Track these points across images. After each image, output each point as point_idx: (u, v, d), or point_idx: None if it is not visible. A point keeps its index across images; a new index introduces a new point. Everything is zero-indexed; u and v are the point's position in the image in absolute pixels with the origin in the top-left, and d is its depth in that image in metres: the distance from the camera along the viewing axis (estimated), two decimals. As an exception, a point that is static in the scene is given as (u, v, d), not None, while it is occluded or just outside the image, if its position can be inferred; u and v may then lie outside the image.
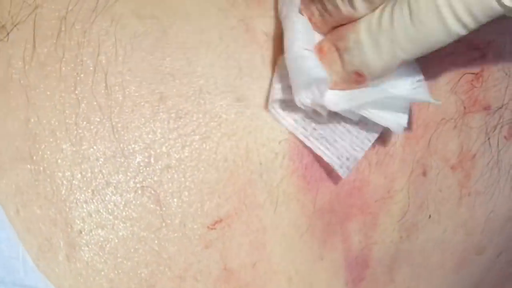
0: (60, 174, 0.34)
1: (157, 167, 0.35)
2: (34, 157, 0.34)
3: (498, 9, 0.32)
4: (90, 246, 0.34)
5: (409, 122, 0.40)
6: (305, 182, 0.38)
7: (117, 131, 0.35)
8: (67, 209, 0.34)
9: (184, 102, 0.36)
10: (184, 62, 0.36)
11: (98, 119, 0.35)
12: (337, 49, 0.36)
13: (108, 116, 0.35)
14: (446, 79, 0.41)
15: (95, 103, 0.35)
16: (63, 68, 0.35)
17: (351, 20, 0.35)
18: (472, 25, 0.33)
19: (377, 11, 0.34)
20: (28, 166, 0.34)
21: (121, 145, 0.35)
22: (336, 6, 0.35)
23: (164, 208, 0.35)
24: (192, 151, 0.36)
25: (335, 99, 0.36)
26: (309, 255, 0.39)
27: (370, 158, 0.39)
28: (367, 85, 0.36)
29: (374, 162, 0.40)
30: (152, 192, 0.35)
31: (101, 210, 0.35)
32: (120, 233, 0.35)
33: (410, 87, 0.37)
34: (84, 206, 0.34)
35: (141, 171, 0.35)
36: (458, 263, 0.45)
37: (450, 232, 0.43)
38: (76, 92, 0.35)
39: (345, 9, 0.35)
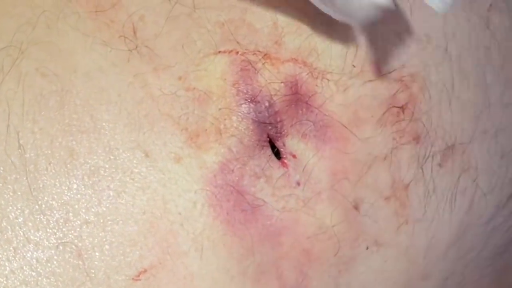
0: None
1: (76, 223, 0.35)
2: None
3: None
4: (15, 304, 0.34)
5: (335, 159, 0.39)
6: (229, 226, 0.37)
7: (34, 189, 0.34)
8: None
9: (95, 158, 0.35)
10: (89, 119, 0.36)
11: (14, 178, 0.34)
12: None
13: (23, 175, 0.34)
14: (371, 113, 0.39)
15: (10, 162, 0.34)
16: None
17: None
18: None
19: None
20: None
21: (39, 202, 0.34)
22: None
23: (87, 262, 0.35)
24: (109, 206, 0.35)
25: None
26: None
27: (297, 196, 0.38)
28: None
29: (301, 200, 0.38)
30: (74, 247, 0.34)
31: (24, 267, 0.34)
32: None
33: None
34: (7, 264, 0.34)
35: (61, 227, 0.35)
36: (402, 292, 0.43)
37: (391, 261, 0.42)
38: None
39: None
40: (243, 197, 0.37)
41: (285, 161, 0.38)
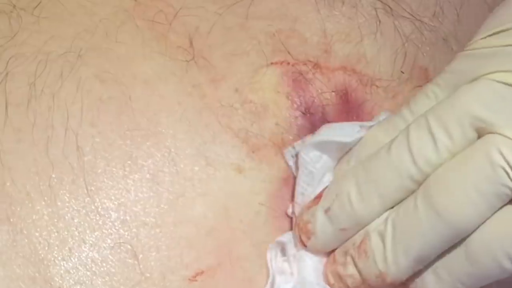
0: (37, 234, 0.33)
1: (133, 224, 0.33)
2: (11, 219, 0.32)
3: None
4: (70, 303, 0.32)
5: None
6: None
7: (91, 190, 0.33)
8: (46, 267, 0.32)
9: (155, 162, 0.35)
10: (149, 124, 0.35)
11: (71, 180, 0.33)
12: None
13: (81, 177, 0.33)
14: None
15: (67, 164, 0.33)
16: (35, 132, 0.34)
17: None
18: None
19: None
20: (6, 227, 0.32)
21: (95, 203, 0.33)
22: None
23: (142, 263, 0.33)
24: (168, 208, 0.34)
25: None
26: None
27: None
28: None
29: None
30: (129, 247, 0.33)
31: (79, 267, 0.33)
32: None
33: None
34: (62, 263, 0.32)
35: (117, 228, 0.33)
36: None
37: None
38: (49, 154, 0.33)
39: None
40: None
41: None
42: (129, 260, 0.33)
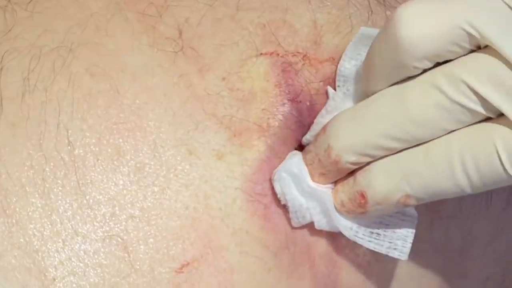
0: (31, 226, 0.34)
1: (122, 217, 0.35)
2: (7, 211, 0.33)
3: (504, 177, 0.30)
4: (63, 293, 0.34)
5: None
6: (266, 221, 0.37)
7: (82, 184, 0.34)
8: (40, 258, 0.33)
9: (141, 155, 0.35)
10: (136, 117, 0.36)
11: (64, 174, 0.34)
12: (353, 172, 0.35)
13: (72, 171, 0.34)
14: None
15: (59, 158, 0.34)
16: (29, 127, 0.34)
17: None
18: (478, 184, 0.31)
19: None
20: (2, 219, 0.33)
21: (87, 197, 0.34)
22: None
23: (132, 255, 0.34)
24: (154, 201, 0.35)
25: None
26: None
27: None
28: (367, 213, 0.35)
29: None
30: (119, 240, 0.34)
31: (72, 259, 0.34)
32: (92, 279, 0.34)
33: None
34: (56, 255, 0.34)
35: (107, 221, 0.34)
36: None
37: (426, 256, 0.41)
38: (42, 149, 0.34)
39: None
40: None
41: (323, 158, 0.38)
42: (119, 253, 0.34)
